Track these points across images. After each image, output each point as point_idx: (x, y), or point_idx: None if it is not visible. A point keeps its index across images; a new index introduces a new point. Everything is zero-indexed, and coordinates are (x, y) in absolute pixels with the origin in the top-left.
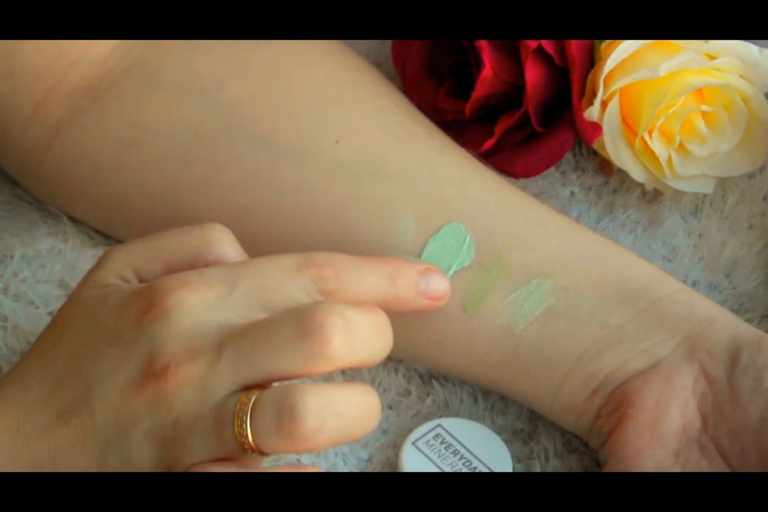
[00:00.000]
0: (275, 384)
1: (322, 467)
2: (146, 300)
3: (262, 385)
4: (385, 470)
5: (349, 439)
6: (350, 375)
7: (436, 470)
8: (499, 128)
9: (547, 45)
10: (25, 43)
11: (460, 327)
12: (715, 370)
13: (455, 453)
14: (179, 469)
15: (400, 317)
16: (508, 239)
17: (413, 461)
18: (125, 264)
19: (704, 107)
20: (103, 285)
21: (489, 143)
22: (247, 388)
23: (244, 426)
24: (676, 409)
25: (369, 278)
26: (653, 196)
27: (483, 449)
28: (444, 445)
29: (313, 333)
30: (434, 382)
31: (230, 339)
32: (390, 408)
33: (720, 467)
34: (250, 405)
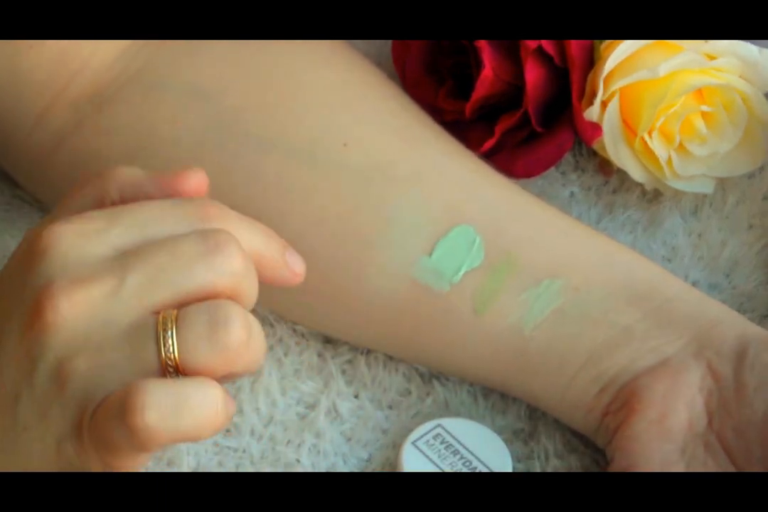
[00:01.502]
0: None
1: (321, 467)
2: (22, 245)
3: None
4: (385, 470)
5: (258, 359)
6: (349, 373)
7: (436, 470)
8: (499, 128)
9: (547, 45)
10: (28, 54)
11: (470, 328)
12: (721, 368)
13: (455, 453)
14: (88, 408)
15: (408, 319)
16: (518, 240)
17: (413, 461)
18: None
19: (704, 107)
20: None
21: (489, 143)
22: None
23: (171, 341)
24: (683, 405)
25: (251, 230)
26: (653, 196)
27: (483, 449)
28: (444, 445)
29: (220, 248)
30: (434, 382)
31: (131, 263)
32: (390, 408)
33: (724, 464)
34: (173, 320)
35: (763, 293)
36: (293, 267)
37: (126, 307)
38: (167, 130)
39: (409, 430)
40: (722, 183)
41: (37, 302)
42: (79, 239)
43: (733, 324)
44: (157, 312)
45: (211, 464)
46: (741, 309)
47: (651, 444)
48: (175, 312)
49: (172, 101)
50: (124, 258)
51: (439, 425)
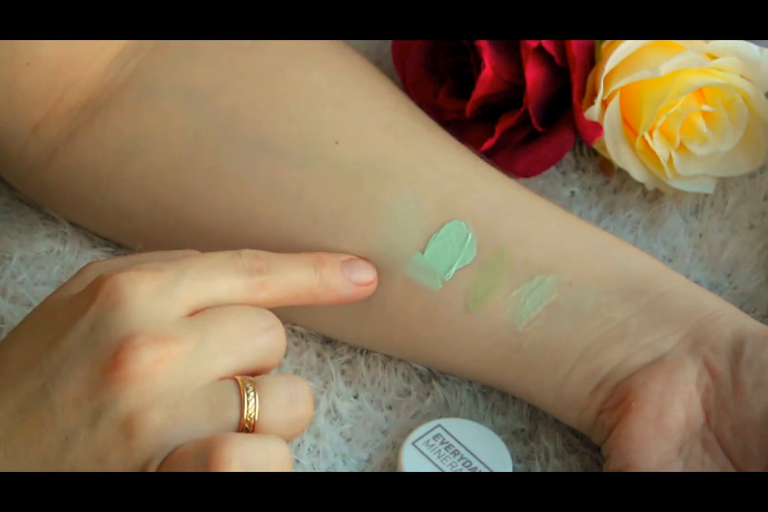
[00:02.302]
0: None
1: (321, 467)
2: (93, 289)
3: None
4: (385, 470)
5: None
6: (349, 374)
7: (435, 470)
8: (500, 128)
9: (548, 45)
10: (25, 72)
11: (463, 324)
12: (718, 365)
13: (455, 453)
14: (156, 457)
15: (401, 316)
16: (511, 235)
17: (413, 461)
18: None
19: (705, 107)
20: (69, 294)
21: (489, 143)
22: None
23: (254, 408)
24: (680, 403)
25: (295, 269)
26: (654, 195)
27: (483, 449)
28: (444, 445)
29: (279, 326)
30: (434, 382)
31: (206, 328)
32: (390, 408)
33: (722, 462)
34: (253, 386)
35: (764, 293)
36: (357, 280)
37: (202, 369)
38: (160, 133)
39: (409, 431)
40: (723, 183)
41: (119, 351)
42: (155, 294)
43: (729, 320)
44: (225, 378)
45: None
46: (742, 309)
47: (648, 442)
48: (252, 379)
49: (164, 105)
50: (200, 322)
51: (438, 425)
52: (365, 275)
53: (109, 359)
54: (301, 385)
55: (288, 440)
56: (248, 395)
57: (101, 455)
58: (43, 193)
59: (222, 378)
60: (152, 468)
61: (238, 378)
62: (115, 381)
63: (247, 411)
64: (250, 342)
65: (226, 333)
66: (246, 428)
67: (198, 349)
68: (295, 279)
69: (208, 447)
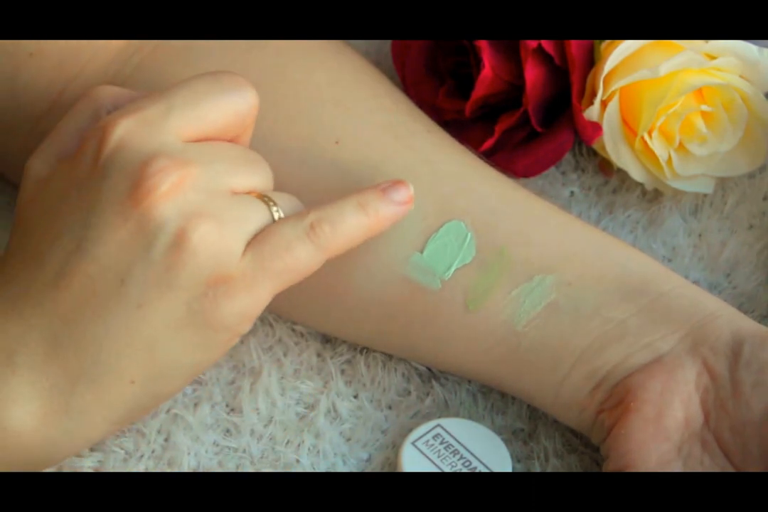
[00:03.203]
0: None
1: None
2: (94, 139)
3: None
4: (385, 470)
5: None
6: (349, 374)
7: (435, 470)
8: (499, 128)
9: (547, 45)
10: (28, 63)
11: (463, 324)
12: (717, 365)
13: (455, 453)
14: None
15: (401, 315)
16: (510, 235)
17: (413, 461)
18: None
19: (704, 107)
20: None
21: (489, 143)
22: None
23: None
24: (679, 403)
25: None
26: (653, 195)
27: (483, 449)
28: (443, 445)
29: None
30: (434, 382)
31: (205, 153)
32: (389, 408)
33: (722, 462)
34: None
35: (763, 293)
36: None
37: (221, 183)
38: None
39: (409, 430)
40: (722, 183)
41: (141, 181)
42: (150, 128)
43: (728, 320)
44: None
45: (211, 464)
46: (741, 309)
47: (647, 443)
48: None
49: None
50: (202, 147)
51: (438, 425)
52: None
53: (135, 191)
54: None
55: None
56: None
57: (168, 283)
58: None
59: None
60: (238, 262)
61: (254, 193)
62: (152, 207)
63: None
64: (251, 167)
65: (228, 155)
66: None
67: (211, 167)
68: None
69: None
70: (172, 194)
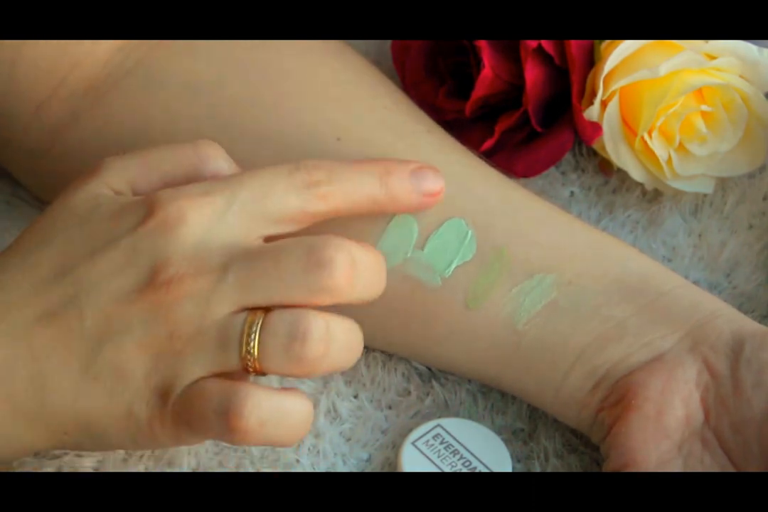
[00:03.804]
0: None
1: (321, 467)
2: (146, 209)
3: (263, 308)
4: (385, 470)
5: (342, 367)
6: (349, 374)
7: (435, 470)
8: (499, 128)
9: (547, 45)
10: (27, 48)
11: (462, 322)
12: (718, 363)
13: (455, 453)
14: (176, 384)
15: (401, 313)
16: (510, 235)
17: (413, 461)
18: (120, 175)
19: (704, 107)
20: (94, 194)
21: (489, 143)
22: (249, 309)
23: (252, 344)
24: (680, 401)
25: (360, 179)
26: (653, 195)
27: (483, 449)
28: (443, 445)
29: (321, 267)
30: (434, 382)
31: (237, 261)
32: (389, 408)
33: (722, 461)
34: (259, 325)
35: (763, 293)
36: (426, 190)
37: (221, 300)
38: (162, 123)
39: (409, 430)
40: (722, 183)
41: (154, 275)
42: (204, 221)
43: (728, 320)
44: (249, 309)
45: (211, 464)
46: (741, 310)
47: (648, 441)
48: (261, 317)
49: (168, 95)
50: (230, 253)
51: (438, 425)
52: (434, 184)
53: (146, 283)
54: (307, 320)
55: (299, 376)
56: (249, 335)
57: (122, 371)
58: (43, 179)
59: (236, 313)
60: (173, 396)
61: (249, 314)
62: (144, 304)
63: (245, 352)
64: (280, 282)
65: (256, 270)
66: (249, 369)
67: (219, 282)
68: (359, 192)
69: (228, 394)
70: (165, 303)
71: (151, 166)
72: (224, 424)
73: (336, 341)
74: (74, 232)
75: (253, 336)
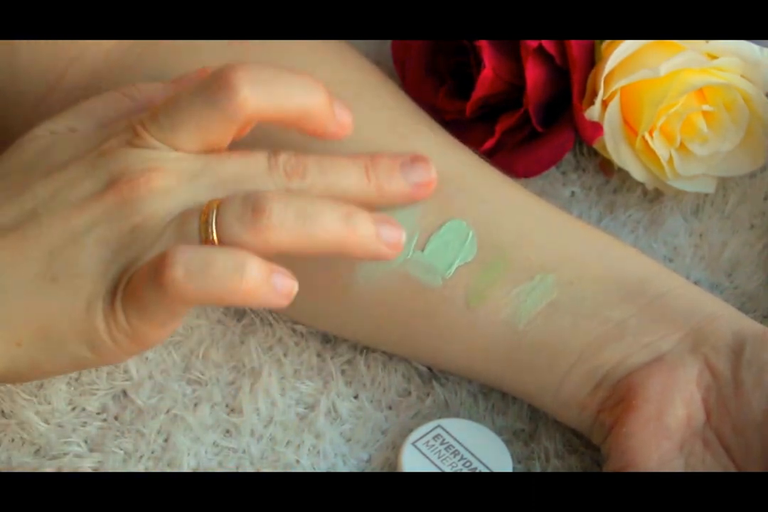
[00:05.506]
0: None
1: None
2: (100, 136)
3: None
4: (385, 470)
5: (303, 241)
6: (349, 374)
7: (435, 470)
8: (500, 128)
9: (548, 45)
10: (27, 42)
11: (463, 322)
12: (719, 364)
13: (455, 453)
14: (131, 270)
15: (401, 313)
16: (511, 235)
17: (413, 461)
18: (57, 123)
19: (705, 107)
20: (45, 133)
21: (489, 143)
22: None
23: (211, 215)
24: (681, 401)
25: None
26: (654, 195)
27: (483, 449)
28: (444, 446)
29: (289, 166)
30: (434, 382)
31: (201, 161)
32: (390, 408)
33: (723, 461)
34: (215, 205)
35: (764, 293)
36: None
37: (188, 198)
38: None
39: (409, 431)
40: (723, 182)
41: (116, 178)
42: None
43: (729, 320)
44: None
45: (211, 464)
46: (742, 310)
47: (649, 441)
48: (219, 200)
49: None
50: (199, 159)
51: (438, 425)
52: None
53: (107, 185)
54: (261, 196)
55: (255, 246)
56: (213, 205)
57: (81, 268)
58: None
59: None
60: (122, 286)
61: (209, 202)
62: (106, 203)
63: (206, 222)
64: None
65: (222, 175)
66: (206, 236)
67: (190, 184)
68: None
69: (160, 258)
70: (128, 200)
71: (87, 112)
72: (155, 282)
73: (295, 215)
74: (30, 158)
75: (211, 212)
